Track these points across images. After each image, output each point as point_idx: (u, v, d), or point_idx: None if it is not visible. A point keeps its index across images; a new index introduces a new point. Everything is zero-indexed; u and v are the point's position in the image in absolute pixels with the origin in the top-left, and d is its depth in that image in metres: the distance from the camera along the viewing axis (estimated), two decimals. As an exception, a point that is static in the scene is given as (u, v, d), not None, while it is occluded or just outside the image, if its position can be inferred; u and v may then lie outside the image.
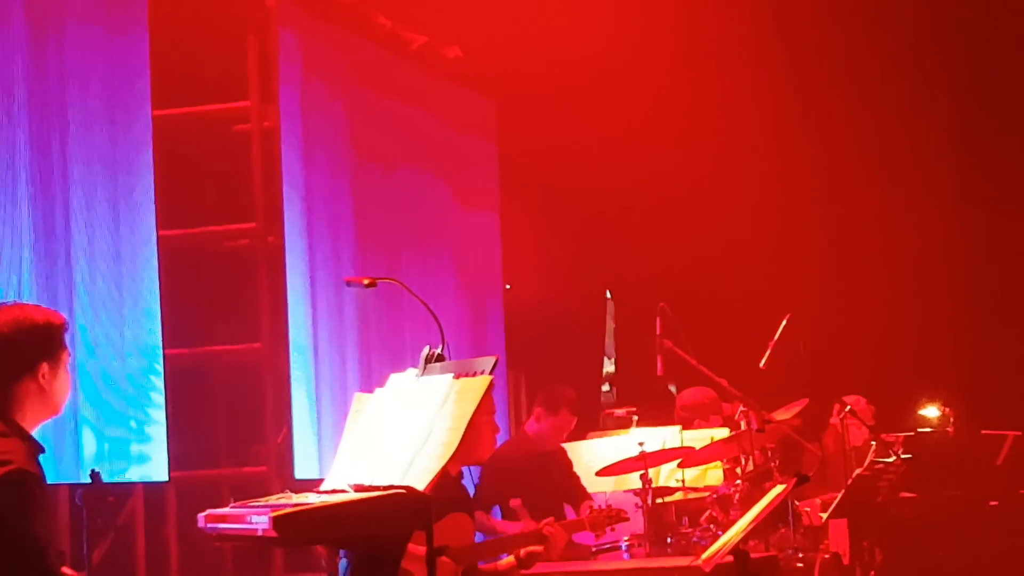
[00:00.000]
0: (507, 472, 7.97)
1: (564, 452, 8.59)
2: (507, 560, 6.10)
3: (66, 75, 7.11)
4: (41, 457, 4.25)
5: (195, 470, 8.09)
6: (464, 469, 6.05)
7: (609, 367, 10.99)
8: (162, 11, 7.78)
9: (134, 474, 7.31)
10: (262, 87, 8.47)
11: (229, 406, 8.70)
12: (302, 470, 8.03)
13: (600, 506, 7.67)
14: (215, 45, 8.42)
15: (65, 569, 4.18)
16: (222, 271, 8.65)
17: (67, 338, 4.34)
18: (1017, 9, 10.51)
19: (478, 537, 6.58)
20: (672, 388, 9.23)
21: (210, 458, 8.44)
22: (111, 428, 7.08)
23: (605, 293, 10.49)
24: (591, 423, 9.52)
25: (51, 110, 7.02)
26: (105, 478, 5.33)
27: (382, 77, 9.40)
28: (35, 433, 4.29)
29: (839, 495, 7.85)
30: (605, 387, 9.74)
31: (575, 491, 8.39)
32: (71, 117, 7.11)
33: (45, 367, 4.25)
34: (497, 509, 7.99)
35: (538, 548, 5.98)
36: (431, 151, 9.86)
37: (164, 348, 7.51)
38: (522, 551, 5.99)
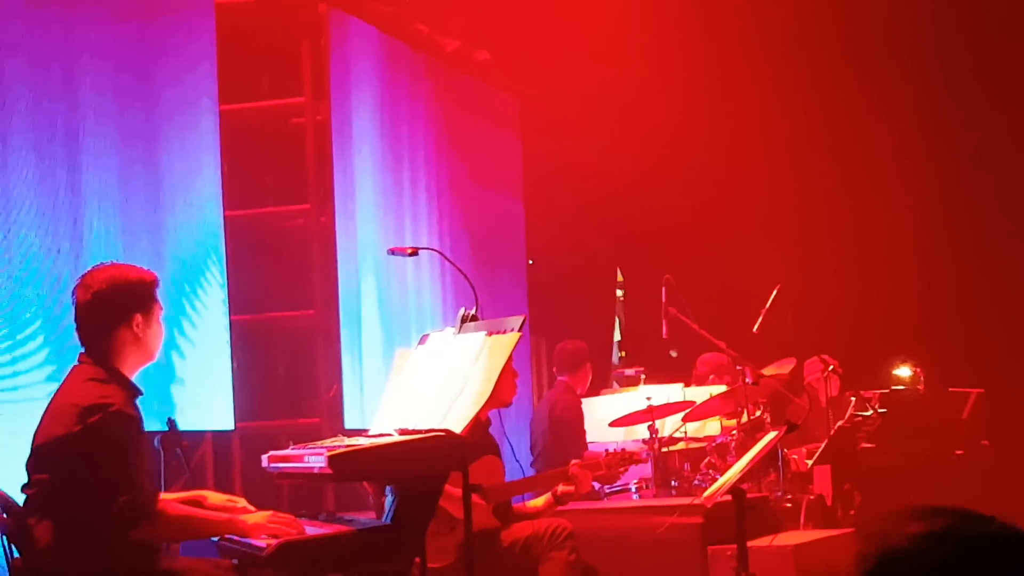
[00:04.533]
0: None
1: None
2: (544, 498, 6.08)
3: (148, 81, 7.11)
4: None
5: (257, 421, 8.09)
6: (494, 420, 6.04)
7: (618, 333, 10.95)
8: (227, 19, 7.77)
9: (205, 423, 7.33)
10: (315, 85, 8.44)
11: (286, 365, 8.72)
12: (351, 421, 8.02)
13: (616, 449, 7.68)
14: (273, 48, 8.42)
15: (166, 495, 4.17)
16: (280, 247, 8.64)
17: (158, 293, 4.33)
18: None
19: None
20: (672, 353, 9.19)
21: (270, 410, 8.43)
22: (186, 383, 7.11)
23: (616, 267, 10.43)
24: (604, 381, 9.50)
25: (137, 110, 7.02)
26: (180, 426, 5.33)
27: (420, 76, 9.37)
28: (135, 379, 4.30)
29: (823, 444, 7.83)
30: (618, 352, 9.69)
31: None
32: (151, 115, 7.11)
33: (139, 318, 4.23)
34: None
35: (570, 488, 5.96)
36: (463, 142, 9.83)
37: (230, 315, 7.51)
38: (558, 489, 5.99)
